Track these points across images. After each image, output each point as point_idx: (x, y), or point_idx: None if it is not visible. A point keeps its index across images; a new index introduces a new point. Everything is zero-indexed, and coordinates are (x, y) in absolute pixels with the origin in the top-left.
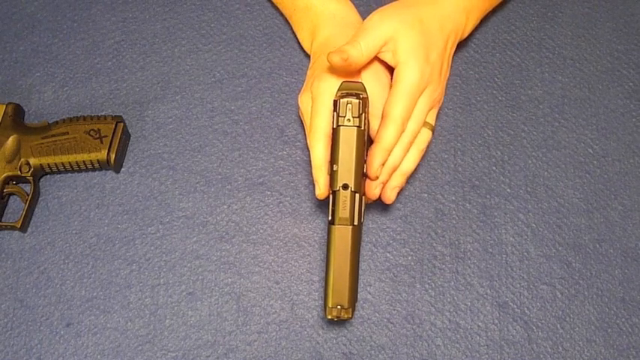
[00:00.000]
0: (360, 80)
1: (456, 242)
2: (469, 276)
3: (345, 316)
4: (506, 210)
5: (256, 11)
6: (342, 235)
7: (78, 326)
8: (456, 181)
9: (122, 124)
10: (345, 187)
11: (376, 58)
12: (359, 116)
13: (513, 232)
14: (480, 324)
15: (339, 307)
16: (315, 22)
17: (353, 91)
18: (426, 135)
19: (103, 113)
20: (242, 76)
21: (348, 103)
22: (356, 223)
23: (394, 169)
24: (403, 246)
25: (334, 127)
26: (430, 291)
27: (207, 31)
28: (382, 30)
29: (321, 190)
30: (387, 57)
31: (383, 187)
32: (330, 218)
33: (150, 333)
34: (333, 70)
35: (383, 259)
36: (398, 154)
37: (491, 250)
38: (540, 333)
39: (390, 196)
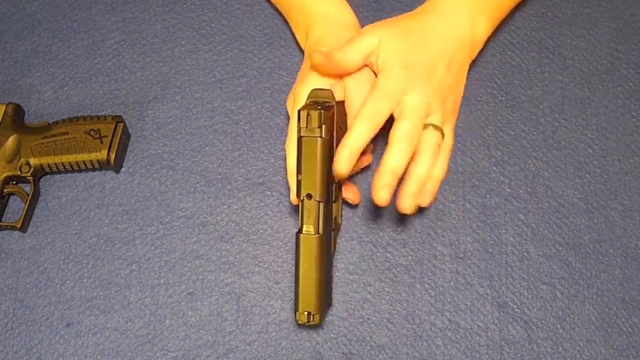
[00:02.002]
0: (329, 88)
1: (456, 242)
2: (469, 276)
3: (313, 321)
4: (506, 210)
5: (256, 11)
6: (308, 244)
7: (78, 326)
8: (456, 181)
9: (122, 124)
10: (309, 196)
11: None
12: (320, 126)
13: (513, 232)
14: (480, 324)
15: (306, 312)
16: (309, 22)
17: (320, 99)
18: (432, 136)
19: (103, 113)
20: (242, 76)
21: (307, 115)
22: (321, 232)
23: (395, 172)
24: (403, 246)
25: (298, 137)
26: (430, 291)
27: (207, 31)
28: (368, 41)
29: (294, 196)
30: (372, 67)
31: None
32: (298, 227)
33: (150, 333)
34: (314, 74)
35: (383, 259)
36: (400, 153)
37: (491, 250)
38: (540, 333)
39: (405, 206)
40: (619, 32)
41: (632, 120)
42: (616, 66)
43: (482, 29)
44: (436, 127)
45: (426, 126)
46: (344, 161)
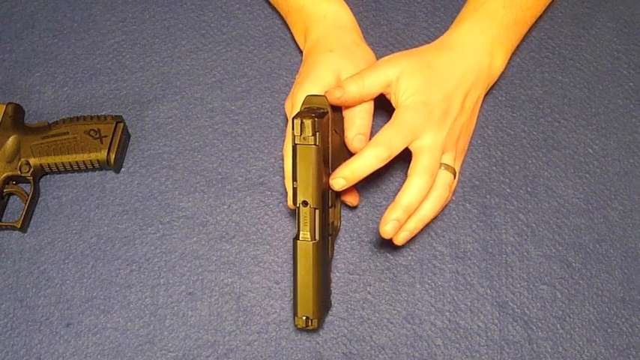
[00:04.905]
0: (324, 94)
1: (456, 242)
2: (469, 276)
3: (312, 326)
4: (506, 210)
5: (256, 11)
6: (305, 250)
7: (78, 326)
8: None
9: (122, 124)
10: (305, 204)
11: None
12: (314, 135)
13: (513, 232)
14: (480, 324)
15: (304, 317)
16: (307, 23)
17: (315, 105)
18: (445, 177)
19: (103, 113)
20: (242, 76)
21: (301, 123)
22: (317, 239)
23: (408, 208)
24: (403, 246)
25: (292, 145)
26: (430, 291)
27: (207, 31)
28: (388, 71)
29: (291, 201)
30: (391, 98)
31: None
32: (295, 233)
33: (150, 333)
34: (311, 78)
35: (383, 259)
36: (418, 186)
37: (491, 250)
38: (540, 333)
39: (397, 239)
40: (619, 32)
41: (632, 120)
42: (616, 66)
43: (500, 64)
44: (448, 167)
45: (445, 167)
46: (341, 180)
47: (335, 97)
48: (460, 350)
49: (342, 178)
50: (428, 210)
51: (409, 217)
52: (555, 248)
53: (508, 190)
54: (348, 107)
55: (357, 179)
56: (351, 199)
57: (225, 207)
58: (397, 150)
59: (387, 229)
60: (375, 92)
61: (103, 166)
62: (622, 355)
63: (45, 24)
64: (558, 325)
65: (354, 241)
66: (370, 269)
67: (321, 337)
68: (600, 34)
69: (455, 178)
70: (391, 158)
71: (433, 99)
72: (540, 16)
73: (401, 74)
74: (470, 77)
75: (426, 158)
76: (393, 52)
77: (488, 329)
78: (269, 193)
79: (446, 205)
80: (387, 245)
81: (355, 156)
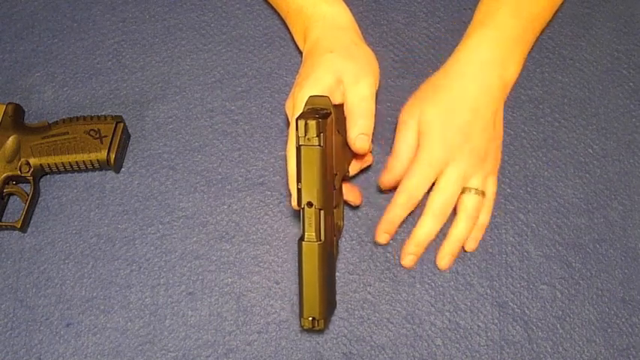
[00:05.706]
0: (326, 95)
1: None
2: (469, 276)
3: (318, 327)
4: (506, 210)
5: (256, 11)
6: (310, 251)
7: (78, 326)
8: None
9: (122, 124)
10: (310, 204)
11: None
12: (318, 135)
13: (513, 232)
14: (480, 324)
15: (311, 318)
16: (307, 23)
17: (318, 106)
18: (472, 200)
19: (103, 113)
20: (242, 76)
21: (305, 124)
22: (322, 239)
23: (421, 244)
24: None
25: (297, 146)
26: (430, 291)
27: (207, 31)
28: (413, 129)
29: (295, 202)
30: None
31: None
32: (300, 234)
33: (150, 333)
34: (312, 79)
35: (383, 259)
36: (429, 226)
37: (491, 250)
38: (540, 333)
39: (442, 264)
40: (619, 32)
41: (632, 120)
42: (616, 66)
43: (514, 71)
44: (477, 192)
45: (466, 190)
46: (382, 236)
47: (388, 184)
48: (460, 350)
49: (382, 234)
50: (460, 232)
51: (426, 248)
52: (555, 248)
53: (508, 190)
54: (349, 107)
55: (396, 227)
56: (354, 198)
57: (225, 207)
58: (423, 191)
59: (405, 263)
60: (412, 151)
61: (103, 166)
62: (622, 355)
63: (45, 24)
64: (558, 325)
65: (354, 241)
66: (370, 269)
67: (321, 337)
68: (600, 34)
69: (484, 197)
70: (420, 199)
71: (451, 131)
72: (549, 22)
73: (422, 126)
74: (485, 100)
75: (440, 197)
76: (394, 52)
77: (488, 329)
78: (269, 193)
79: (487, 225)
80: (387, 245)
81: (387, 209)
